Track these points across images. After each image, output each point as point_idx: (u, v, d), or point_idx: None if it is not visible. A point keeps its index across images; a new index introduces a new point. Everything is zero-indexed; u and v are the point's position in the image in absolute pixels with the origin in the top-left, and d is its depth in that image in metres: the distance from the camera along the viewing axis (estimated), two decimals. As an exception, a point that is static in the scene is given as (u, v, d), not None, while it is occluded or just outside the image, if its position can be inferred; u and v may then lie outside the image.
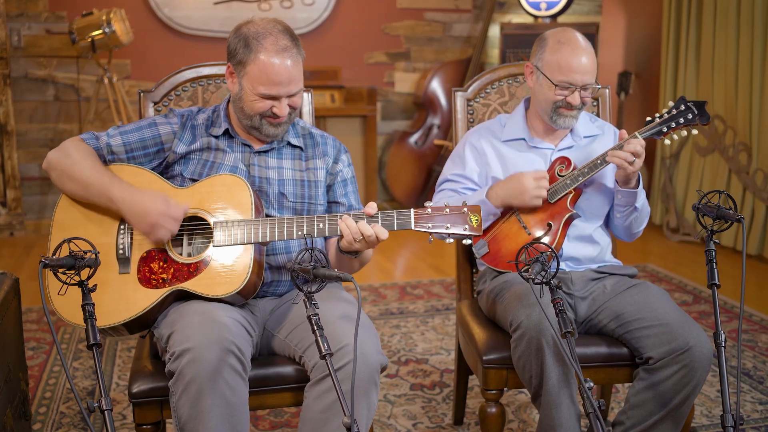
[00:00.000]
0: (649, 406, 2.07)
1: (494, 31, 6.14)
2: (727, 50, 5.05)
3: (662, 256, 5.08)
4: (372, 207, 1.96)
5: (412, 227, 1.93)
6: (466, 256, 2.61)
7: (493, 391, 2.19)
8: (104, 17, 4.93)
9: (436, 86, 5.99)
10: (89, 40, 4.94)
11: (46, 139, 5.60)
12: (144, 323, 2.00)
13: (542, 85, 2.32)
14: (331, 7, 5.89)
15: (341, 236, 1.96)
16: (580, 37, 2.30)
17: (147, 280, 1.99)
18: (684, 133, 2.27)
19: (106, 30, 4.92)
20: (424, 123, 6.04)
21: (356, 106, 5.88)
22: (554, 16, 5.79)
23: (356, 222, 1.93)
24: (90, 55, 5.11)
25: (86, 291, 1.68)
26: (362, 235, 1.92)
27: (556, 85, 2.28)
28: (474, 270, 2.62)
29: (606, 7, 6.44)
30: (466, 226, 1.93)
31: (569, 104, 2.29)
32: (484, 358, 2.17)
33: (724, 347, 1.85)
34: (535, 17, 5.84)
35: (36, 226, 5.60)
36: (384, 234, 1.93)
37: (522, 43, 5.67)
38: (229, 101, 2.21)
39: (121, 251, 2.02)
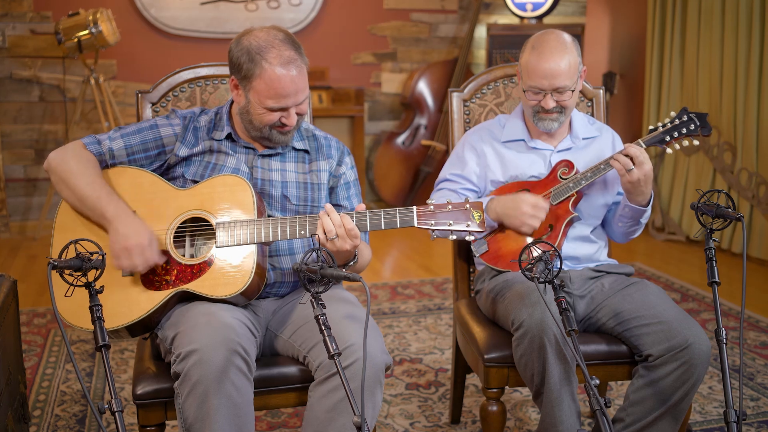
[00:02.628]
0: (649, 403, 2.09)
1: (480, 32, 6.17)
2: (711, 50, 5.11)
3: (648, 255, 5.13)
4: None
5: (415, 224, 1.93)
6: (463, 255, 2.62)
7: (495, 390, 2.20)
8: (91, 17, 4.90)
9: (423, 87, 6.01)
10: (76, 40, 4.91)
11: (31, 140, 5.55)
12: (147, 326, 1.99)
13: (521, 88, 2.34)
14: (318, 8, 5.89)
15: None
16: (556, 40, 2.27)
17: (150, 281, 1.98)
18: (686, 143, 2.30)
19: (93, 30, 4.89)
20: (411, 123, 6.05)
21: (343, 107, 5.89)
22: (540, 17, 5.83)
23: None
24: (76, 55, 5.08)
25: (93, 292, 1.67)
26: (339, 226, 1.92)
27: (525, 90, 2.31)
28: (471, 269, 2.63)
29: (591, 7, 6.49)
30: (469, 223, 1.92)
31: (543, 108, 2.31)
32: (486, 356, 2.19)
33: (726, 344, 1.88)
34: (521, 18, 5.88)
35: (21, 228, 5.55)
36: (348, 221, 1.92)
37: (508, 43, 5.71)
38: (231, 104, 2.20)
39: (124, 253, 2.00)
